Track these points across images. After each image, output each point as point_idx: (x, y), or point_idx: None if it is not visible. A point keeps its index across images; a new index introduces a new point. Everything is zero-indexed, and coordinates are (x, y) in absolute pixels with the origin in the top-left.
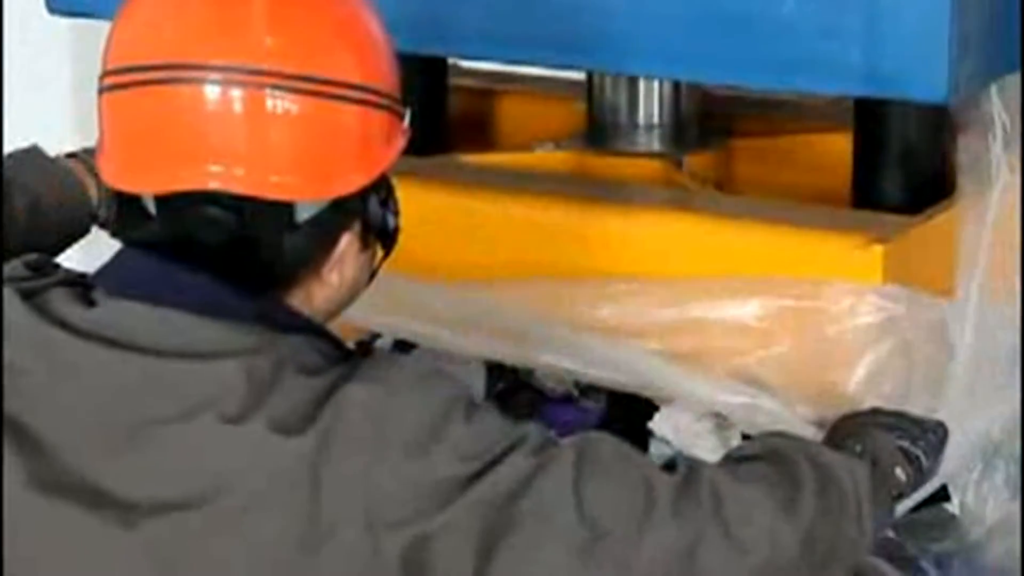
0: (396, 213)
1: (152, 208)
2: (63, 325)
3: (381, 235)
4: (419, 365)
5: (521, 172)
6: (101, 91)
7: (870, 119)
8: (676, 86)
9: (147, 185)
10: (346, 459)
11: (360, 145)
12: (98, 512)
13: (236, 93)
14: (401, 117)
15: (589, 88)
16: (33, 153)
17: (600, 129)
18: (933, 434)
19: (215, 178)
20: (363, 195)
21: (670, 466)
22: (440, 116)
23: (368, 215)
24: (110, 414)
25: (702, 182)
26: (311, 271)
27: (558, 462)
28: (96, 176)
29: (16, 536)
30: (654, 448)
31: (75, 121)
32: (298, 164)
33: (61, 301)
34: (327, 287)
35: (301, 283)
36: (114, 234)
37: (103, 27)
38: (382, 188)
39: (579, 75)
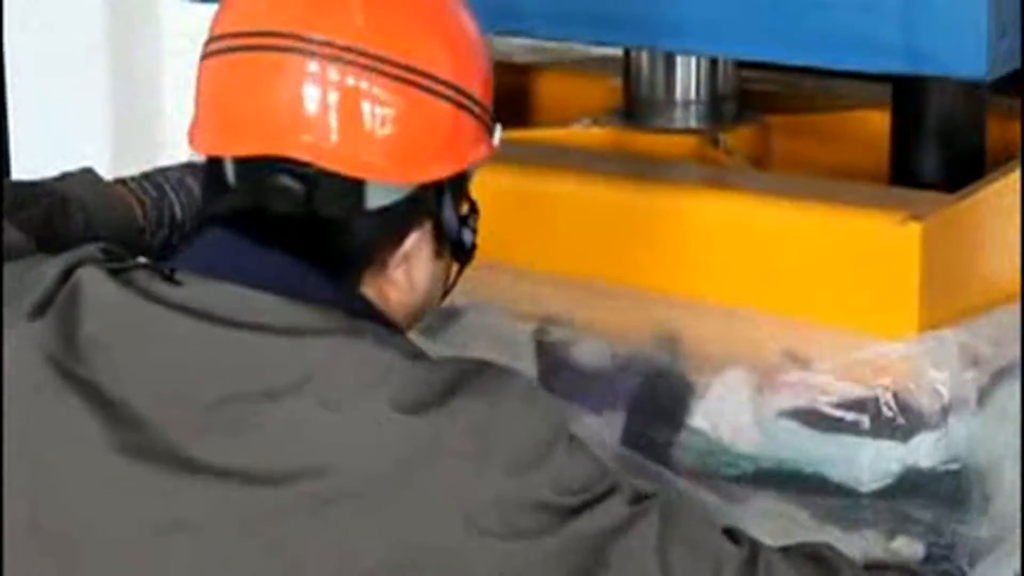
0: (474, 231)
1: (232, 177)
2: (153, 299)
3: (457, 248)
4: (526, 382)
5: (557, 148)
6: (202, 57)
7: (908, 96)
8: (713, 63)
9: (234, 148)
10: (448, 465)
11: (447, 140)
12: (190, 478)
13: (335, 68)
14: (490, 132)
15: (626, 65)
16: (87, 173)
17: (637, 106)
18: None
19: (305, 149)
20: (438, 195)
21: (731, 533)
22: None
23: (442, 218)
24: (202, 386)
25: (738, 159)
26: (377, 264)
27: (647, 518)
28: (143, 204)
29: (104, 501)
30: (684, 437)
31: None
32: (386, 147)
33: (147, 279)
34: (396, 287)
35: (371, 276)
36: (199, 213)
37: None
38: (461, 199)
39: (616, 51)
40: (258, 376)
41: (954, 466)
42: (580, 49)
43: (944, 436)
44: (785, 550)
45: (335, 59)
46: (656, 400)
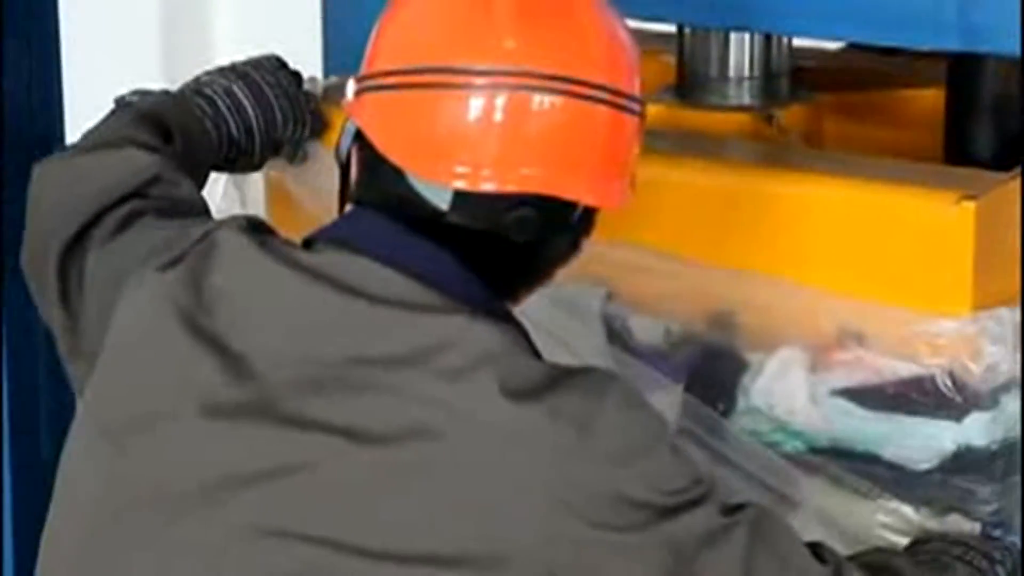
0: None
1: (443, 200)
2: (284, 260)
3: None
4: (628, 386)
5: None
6: (399, 86)
7: (963, 74)
8: (767, 40)
9: (465, 181)
10: (543, 455)
11: (632, 157)
12: (297, 433)
13: (548, 99)
14: None
15: (680, 41)
16: (169, 95)
17: (690, 82)
18: (1002, 568)
19: (534, 182)
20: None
21: (816, 549)
22: None
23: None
24: (320, 348)
25: (792, 137)
26: (552, 274)
27: (736, 530)
28: (203, 123)
29: (209, 449)
30: (738, 415)
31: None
32: (594, 170)
33: (283, 244)
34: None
35: (539, 284)
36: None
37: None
38: None
39: (669, 28)
40: (377, 343)
41: (1008, 444)
42: (633, 25)
43: (999, 415)
44: (854, 558)
45: (546, 90)
46: (710, 377)
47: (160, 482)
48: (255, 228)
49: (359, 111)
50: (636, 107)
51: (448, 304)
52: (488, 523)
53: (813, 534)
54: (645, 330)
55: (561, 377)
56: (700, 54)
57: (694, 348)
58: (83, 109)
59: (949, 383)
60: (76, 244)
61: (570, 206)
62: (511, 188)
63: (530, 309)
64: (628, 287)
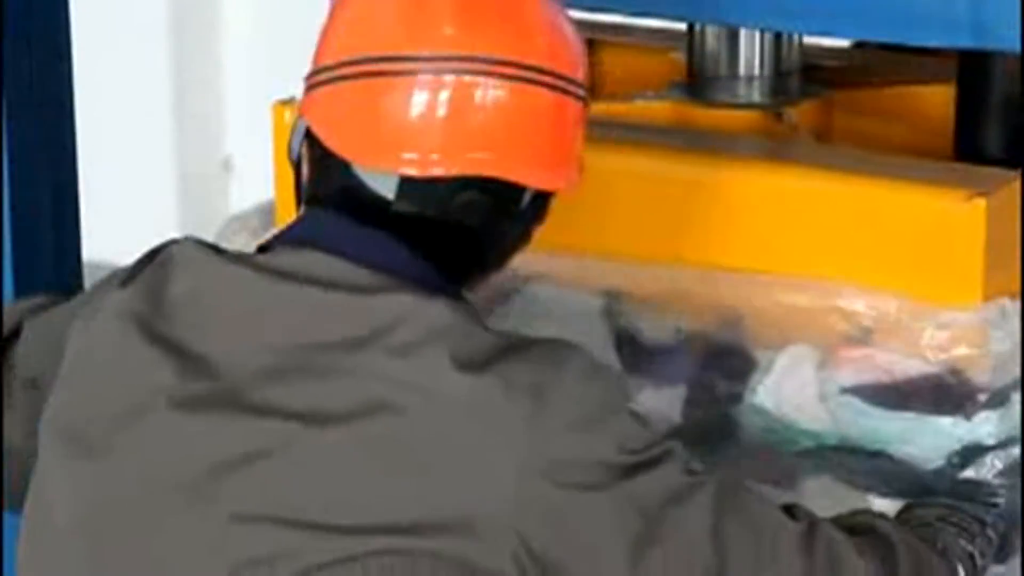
0: None
1: (389, 189)
2: (243, 262)
3: None
4: (588, 355)
5: (620, 123)
6: (351, 77)
7: (972, 71)
8: (777, 37)
9: (414, 167)
10: (502, 423)
11: (578, 142)
12: (256, 420)
13: (492, 82)
14: None
15: (689, 39)
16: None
17: (700, 80)
18: (993, 531)
19: (481, 165)
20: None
21: (788, 509)
22: None
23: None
24: (274, 337)
25: (802, 134)
26: (504, 261)
27: (703, 489)
28: None
29: (172, 445)
30: (746, 413)
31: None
32: (540, 153)
33: (237, 252)
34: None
35: (492, 271)
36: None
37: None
38: None
39: (679, 26)
40: (331, 328)
41: (1018, 440)
42: (644, 23)
43: (1008, 411)
44: (836, 521)
45: (493, 74)
46: (720, 375)
47: (142, 480)
48: (207, 244)
49: (307, 108)
50: (579, 92)
51: (399, 284)
52: (457, 493)
53: None
54: (655, 328)
55: (513, 347)
56: (710, 52)
57: (703, 346)
58: (91, 110)
59: (958, 380)
60: None
61: (518, 189)
62: (459, 172)
63: (536, 301)
64: (637, 285)
